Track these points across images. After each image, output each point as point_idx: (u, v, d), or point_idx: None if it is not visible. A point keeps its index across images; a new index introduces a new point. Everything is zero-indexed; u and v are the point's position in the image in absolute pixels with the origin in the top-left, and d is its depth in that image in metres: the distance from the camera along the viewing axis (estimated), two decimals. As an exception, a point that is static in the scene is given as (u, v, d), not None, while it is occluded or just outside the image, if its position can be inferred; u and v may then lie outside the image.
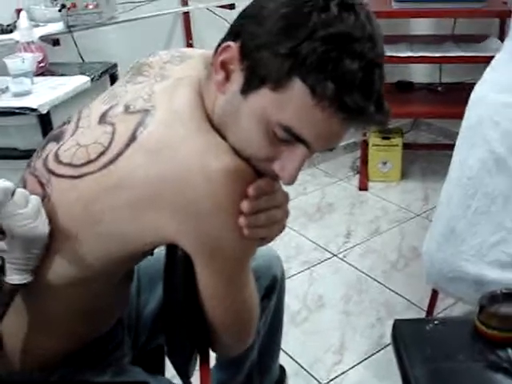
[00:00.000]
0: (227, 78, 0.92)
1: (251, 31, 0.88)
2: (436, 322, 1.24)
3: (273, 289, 1.42)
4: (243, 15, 0.91)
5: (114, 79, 2.24)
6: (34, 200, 0.95)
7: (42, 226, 0.95)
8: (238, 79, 0.90)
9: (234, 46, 0.89)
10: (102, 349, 1.17)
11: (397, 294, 2.36)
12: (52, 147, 1.05)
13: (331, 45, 0.82)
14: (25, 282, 0.96)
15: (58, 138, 1.07)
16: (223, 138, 0.93)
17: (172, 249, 1.01)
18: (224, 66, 0.91)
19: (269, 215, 0.94)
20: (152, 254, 1.11)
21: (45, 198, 1.00)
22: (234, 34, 0.91)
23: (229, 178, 0.88)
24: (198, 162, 0.88)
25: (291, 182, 0.92)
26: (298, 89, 0.84)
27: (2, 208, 0.90)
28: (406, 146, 3.26)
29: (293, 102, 0.85)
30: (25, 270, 0.96)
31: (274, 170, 0.92)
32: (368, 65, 0.84)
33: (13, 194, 0.92)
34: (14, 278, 0.95)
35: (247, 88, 0.88)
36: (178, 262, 0.99)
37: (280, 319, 1.53)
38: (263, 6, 0.87)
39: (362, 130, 0.94)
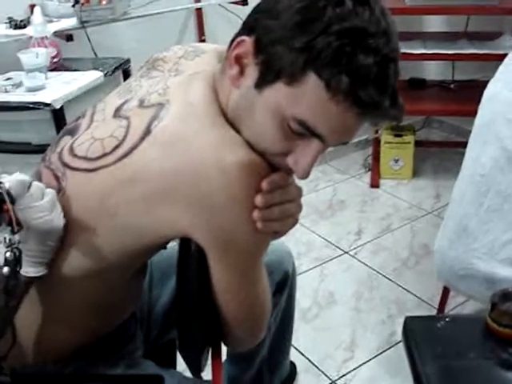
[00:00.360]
0: (241, 72, 0.92)
1: (266, 25, 0.88)
2: (447, 320, 1.25)
3: (284, 284, 1.43)
4: (257, 10, 0.92)
5: (126, 74, 2.24)
6: (50, 193, 0.96)
7: (57, 219, 0.96)
8: (252, 74, 0.90)
9: (248, 40, 0.90)
10: (114, 342, 1.18)
11: (408, 291, 2.36)
12: (67, 141, 1.06)
13: (346, 39, 0.82)
14: (40, 274, 0.97)
15: (72, 132, 1.08)
16: (237, 131, 0.93)
17: (185, 242, 1.01)
18: (238, 60, 0.92)
19: (282, 209, 0.94)
20: (165, 248, 1.12)
21: (60, 191, 1.00)
22: (248, 28, 0.91)
23: (243, 171, 0.89)
24: (212, 156, 0.88)
25: (305, 176, 0.92)
26: (312, 83, 0.84)
27: (20, 200, 0.91)
28: (418, 144, 3.25)
29: (307, 96, 0.85)
30: (40, 262, 0.97)
31: (288, 164, 0.92)
32: (383, 59, 0.84)
33: (29, 186, 0.93)
34: (29, 270, 0.96)
35: (262, 82, 0.89)
36: (192, 256, 1.00)
37: (291, 315, 1.54)
38: (278, 1, 0.87)
39: (376, 124, 0.94)
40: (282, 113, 0.88)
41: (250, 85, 0.91)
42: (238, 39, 0.91)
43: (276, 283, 1.39)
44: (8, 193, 0.89)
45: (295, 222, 0.99)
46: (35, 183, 0.95)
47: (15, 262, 0.93)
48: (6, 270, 0.92)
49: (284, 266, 1.42)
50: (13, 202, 0.90)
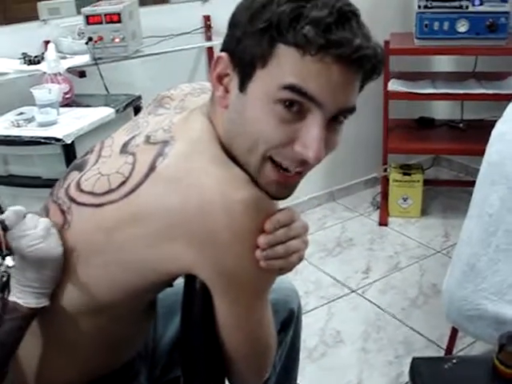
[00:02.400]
0: (226, 90, 0.95)
1: (230, 34, 0.93)
2: (455, 361, 1.23)
3: (289, 322, 1.42)
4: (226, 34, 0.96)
5: (137, 111, 2.25)
6: (43, 222, 0.99)
7: (52, 248, 0.99)
8: (234, 84, 0.93)
9: (223, 54, 0.94)
10: (119, 379, 1.17)
11: (416, 331, 2.33)
12: (74, 176, 1.07)
13: (297, 1, 0.86)
14: (41, 305, 0.98)
15: (80, 167, 1.09)
16: (238, 164, 0.94)
17: (191, 279, 1.01)
18: (220, 80, 0.95)
19: (287, 246, 0.94)
20: (172, 286, 1.11)
21: (65, 224, 1.01)
22: (221, 49, 0.96)
23: (247, 208, 0.89)
24: (216, 193, 0.89)
25: (318, 156, 0.90)
26: (283, 52, 0.87)
27: (14, 229, 0.95)
28: (427, 182, 3.26)
29: (285, 65, 0.87)
30: (40, 293, 0.98)
31: (298, 153, 0.91)
32: (338, 11, 0.86)
33: (24, 217, 0.98)
34: (30, 301, 0.97)
35: (243, 82, 0.91)
36: (197, 293, 1.00)
37: (296, 354, 1.52)
38: (233, 14, 0.94)
39: (367, 76, 0.92)
40: (270, 94, 0.88)
41: (236, 93, 0.93)
42: (214, 58, 0.95)
43: (281, 321, 1.38)
44: (2, 221, 0.94)
45: (301, 257, 0.98)
46: (30, 214, 0.99)
47: (2, 286, 0.96)
48: None
49: (289, 304, 1.41)
50: (5, 229, 0.94)
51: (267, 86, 0.88)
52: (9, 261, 0.95)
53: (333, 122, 0.92)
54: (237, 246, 0.90)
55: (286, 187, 0.97)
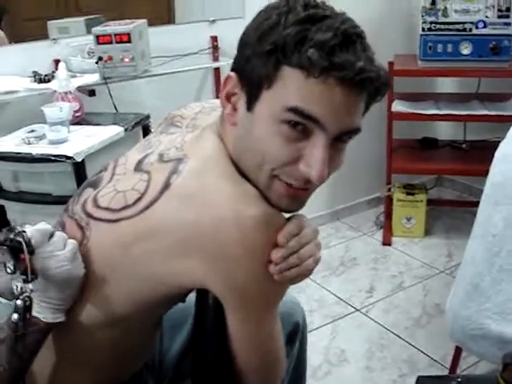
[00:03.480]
0: (234, 108, 0.98)
1: (240, 55, 0.96)
2: (459, 380, 1.23)
3: (295, 335, 1.42)
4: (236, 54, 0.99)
5: (146, 130, 2.29)
6: (72, 244, 1.00)
7: (78, 269, 1.00)
8: (242, 103, 0.96)
9: (232, 74, 0.97)
10: None
11: (419, 350, 2.34)
12: (89, 193, 1.10)
13: (302, 25, 0.88)
14: (58, 320, 1.00)
15: (95, 185, 1.12)
16: (248, 180, 0.96)
17: (203, 292, 1.03)
18: (228, 98, 0.98)
19: (300, 254, 0.96)
20: (184, 301, 1.13)
21: (83, 240, 1.03)
22: (231, 68, 0.98)
23: (259, 224, 0.91)
24: (228, 209, 0.91)
25: (321, 176, 0.92)
26: (288, 74, 0.89)
27: (40, 249, 0.95)
28: (430, 202, 3.27)
29: (289, 87, 0.89)
30: (59, 309, 1.00)
31: (302, 172, 0.93)
32: (343, 33, 0.88)
33: (51, 236, 0.98)
34: (47, 316, 0.98)
35: (250, 101, 0.94)
36: (209, 307, 1.02)
37: (303, 367, 1.53)
38: (243, 34, 0.96)
39: (371, 98, 0.94)
40: (275, 115, 0.91)
41: (244, 112, 0.95)
42: (224, 77, 0.98)
43: (286, 334, 1.39)
44: (28, 242, 0.93)
45: (316, 260, 1.00)
46: (58, 233, 0.99)
47: (25, 311, 0.96)
48: (15, 316, 0.95)
49: (294, 317, 1.42)
50: (32, 251, 0.93)
51: (272, 106, 0.91)
52: (30, 285, 0.95)
53: (337, 141, 0.94)
54: (248, 261, 0.92)
55: (296, 200, 0.99)
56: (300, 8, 0.90)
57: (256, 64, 0.91)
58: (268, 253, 0.93)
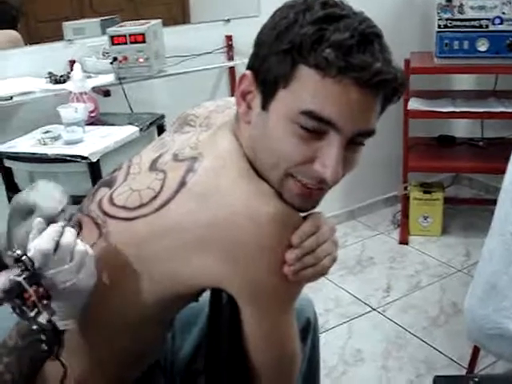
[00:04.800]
0: (249, 106, 0.97)
1: (256, 53, 0.95)
2: (476, 380, 1.22)
3: (306, 332, 1.42)
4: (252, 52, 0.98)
5: (161, 130, 2.29)
6: (78, 253, 0.93)
7: (86, 280, 0.94)
8: (257, 101, 0.95)
9: (247, 72, 0.96)
10: None
11: (437, 350, 2.32)
12: (105, 192, 1.10)
13: (320, 24, 0.87)
14: (67, 327, 0.95)
15: (109, 184, 1.12)
16: (263, 178, 0.96)
17: (217, 292, 1.03)
18: (244, 96, 0.97)
19: (317, 254, 0.96)
20: (197, 300, 1.13)
21: (100, 237, 1.04)
22: (247, 67, 0.98)
23: (275, 222, 0.91)
24: (245, 208, 0.91)
25: (335, 176, 0.92)
26: (304, 73, 0.88)
27: (46, 267, 0.89)
28: (447, 201, 3.25)
29: (305, 87, 0.88)
30: (69, 316, 0.96)
31: (317, 171, 0.92)
32: (360, 34, 0.87)
33: (56, 248, 0.90)
34: (58, 323, 0.93)
35: (266, 100, 0.93)
36: (223, 306, 1.02)
37: (316, 365, 1.52)
38: (259, 33, 0.95)
39: (387, 100, 0.93)
40: (290, 116, 0.90)
41: (258, 111, 0.95)
42: (240, 76, 0.97)
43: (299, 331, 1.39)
44: (32, 266, 0.87)
45: (334, 259, 1.00)
46: (64, 244, 0.91)
47: (50, 343, 0.92)
48: (42, 337, 0.91)
49: (305, 314, 1.41)
50: (37, 282, 0.88)
51: (288, 107, 0.90)
52: (42, 318, 0.89)
53: (352, 143, 0.93)
54: (265, 259, 0.92)
55: (309, 200, 0.98)
56: (318, 7, 0.90)
57: (272, 63, 0.91)
58: (284, 251, 0.93)
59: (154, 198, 0.99)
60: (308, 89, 0.88)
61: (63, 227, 0.93)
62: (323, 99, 0.87)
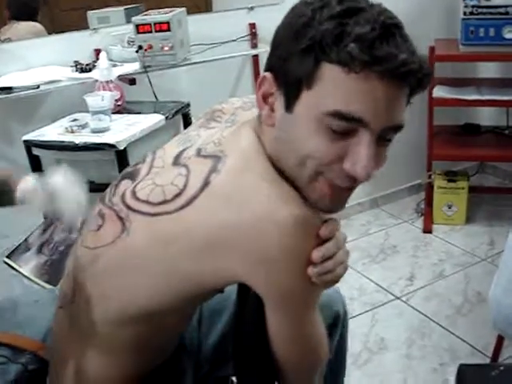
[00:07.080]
0: (272, 109, 0.96)
1: (274, 54, 0.94)
2: (502, 368, 1.23)
3: (335, 327, 1.42)
4: (269, 53, 0.97)
5: (186, 118, 2.30)
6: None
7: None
8: (280, 103, 0.94)
9: (267, 74, 0.95)
10: (165, 376, 1.19)
11: (461, 339, 2.32)
12: (127, 184, 1.10)
13: (339, 19, 0.86)
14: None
15: (132, 176, 1.12)
16: (286, 179, 0.95)
17: (244, 286, 1.04)
18: (265, 99, 0.96)
19: (335, 260, 0.96)
20: (222, 292, 1.14)
21: (123, 231, 1.03)
22: (265, 69, 0.97)
23: (297, 225, 0.90)
24: (268, 210, 0.90)
25: (367, 174, 0.91)
26: (328, 71, 0.86)
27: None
28: (472, 189, 3.22)
29: (330, 85, 0.87)
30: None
31: (348, 170, 0.91)
32: (382, 26, 0.85)
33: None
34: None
35: (289, 102, 0.92)
36: (250, 296, 1.03)
37: (343, 358, 1.53)
38: (276, 34, 0.94)
39: (413, 91, 0.91)
40: (317, 117, 0.88)
41: (282, 113, 0.93)
42: (259, 78, 0.96)
43: (327, 326, 1.39)
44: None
45: (346, 268, 1.00)
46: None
47: None
48: None
49: (334, 308, 1.41)
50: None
51: (314, 108, 0.89)
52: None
53: (380, 139, 0.92)
54: (288, 262, 0.92)
55: (337, 200, 0.98)
56: (335, 2, 0.88)
57: (293, 63, 0.89)
58: (306, 254, 0.93)
59: (178, 195, 0.98)
60: (332, 87, 0.86)
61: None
62: (349, 97, 0.86)
